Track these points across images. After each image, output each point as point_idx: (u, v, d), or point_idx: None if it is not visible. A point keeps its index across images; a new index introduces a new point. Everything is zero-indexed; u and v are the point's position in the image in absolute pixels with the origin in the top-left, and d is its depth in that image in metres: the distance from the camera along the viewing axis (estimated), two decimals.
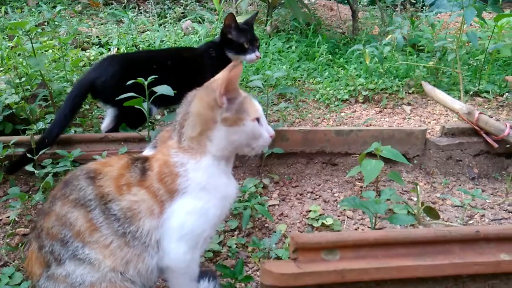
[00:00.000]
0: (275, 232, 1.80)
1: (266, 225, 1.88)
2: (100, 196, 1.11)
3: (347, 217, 1.95)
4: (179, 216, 1.13)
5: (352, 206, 1.44)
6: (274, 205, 2.02)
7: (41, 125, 2.15)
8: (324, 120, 2.90)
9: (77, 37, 4.38)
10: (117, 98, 1.78)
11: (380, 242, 1.20)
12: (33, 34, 2.13)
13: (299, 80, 3.44)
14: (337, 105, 3.08)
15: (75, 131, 2.35)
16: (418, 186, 1.82)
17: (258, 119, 1.19)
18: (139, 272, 1.14)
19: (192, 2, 5.40)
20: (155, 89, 1.63)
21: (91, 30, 4.79)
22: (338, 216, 1.96)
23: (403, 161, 1.92)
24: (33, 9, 5.32)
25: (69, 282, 1.09)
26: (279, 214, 1.96)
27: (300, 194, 2.11)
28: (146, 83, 1.68)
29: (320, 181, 2.22)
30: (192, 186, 1.14)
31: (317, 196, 2.10)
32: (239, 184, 2.09)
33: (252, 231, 1.84)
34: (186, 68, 2.32)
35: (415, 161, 2.31)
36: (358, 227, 1.88)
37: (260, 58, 2.50)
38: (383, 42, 3.38)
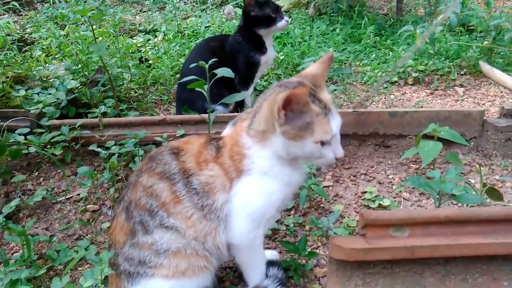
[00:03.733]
0: (331, 212, 1.82)
1: (321, 205, 1.90)
2: (183, 171, 1.19)
3: (404, 198, 1.94)
4: (245, 194, 1.18)
5: (416, 185, 1.44)
6: (328, 186, 2.03)
7: (103, 108, 2.24)
8: (373, 103, 2.87)
9: (122, 25, 4.49)
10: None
11: (451, 219, 1.20)
12: (94, 21, 2.20)
13: (345, 63, 3.40)
14: (386, 87, 3.04)
15: (133, 115, 2.44)
16: (480, 167, 1.79)
17: (323, 142, 1.14)
18: (216, 245, 1.21)
19: None
20: (216, 71, 1.66)
21: (135, 18, 4.89)
22: (394, 197, 1.95)
23: (462, 142, 1.89)
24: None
25: (154, 249, 1.16)
26: (334, 195, 1.97)
27: (354, 176, 2.12)
28: (206, 66, 1.72)
29: (373, 163, 2.21)
30: (256, 169, 1.18)
31: (371, 178, 2.10)
32: None
33: (308, 211, 1.87)
34: (220, 58, 2.34)
35: (472, 143, 2.26)
36: (416, 208, 1.87)
37: (289, 22, 2.50)
38: (433, 22, 3.28)
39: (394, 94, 2.97)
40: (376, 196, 1.92)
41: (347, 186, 2.04)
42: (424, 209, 1.80)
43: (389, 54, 3.39)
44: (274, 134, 1.16)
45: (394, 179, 2.08)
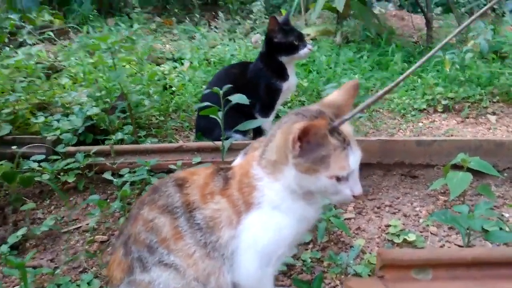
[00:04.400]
0: (351, 246, 1.70)
1: (342, 239, 1.78)
2: (186, 204, 1.11)
3: (431, 233, 1.80)
4: (253, 230, 1.10)
5: (442, 221, 1.31)
6: (349, 219, 1.91)
7: (119, 135, 2.22)
8: (400, 131, 2.76)
9: (152, 53, 4.56)
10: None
11: (480, 261, 1.07)
12: (114, 48, 2.21)
13: (371, 90, 3.31)
14: (414, 115, 2.92)
15: (151, 142, 2.41)
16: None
17: (340, 178, 1.06)
18: (219, 286, 1.12)
19: (261, 16, 5.45)
20: (230, 97, 1.61)
21: (165, 46, 4.99)
22: (421, 232, 1.81)
23: (493, 174, 1.76)
24: (111, 28, 5.64)
25: None
26: (356, 228, 1.85)
27: (378, 208, 1.99)
28: (221, 92, 1.68)
29: (399, 194, 2.08)
30: (267, 203, 1.10)
31: (396, 210, 1.97)
32: None
33: (327, 245, 1.75)
34: (241, 84, 2.31)
35: (505, 174, 2.10)
36: (444, 245, 1.72)
37: (312, 50, 2.43)
38: (464, 49, 3.16)
39: (422, 122, 2.84)
40: (401, 230, 1.78)
41: (370, 219, 1.92)
42: (449, 248, 1.65)
43: (417, 81, 3.27)
44: (286, 165, 1.08)
45: (421, 212, 1.94)
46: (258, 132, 2.42)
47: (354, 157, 1.08)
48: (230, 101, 1.65)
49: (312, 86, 3.25)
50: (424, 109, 2.98)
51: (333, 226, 1.76)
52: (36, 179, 2.04)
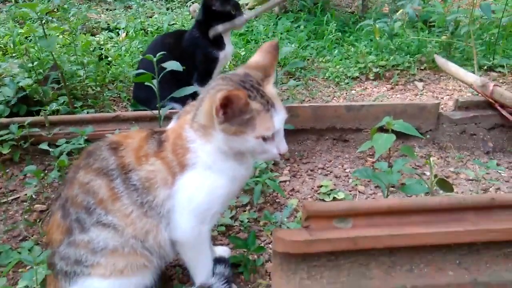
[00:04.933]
0: (286, 206, 1.81)
1: (277, 200, 1.88)
2: (121, 166, 1.14)
3: (359, 191, 1.94)
4: (188, 190, 1.15)
5: (363, 177, 1.43)
6: (285, 181, 2.02)
7: (54, 106, 2.16)
8: (335, 98, 2.88)
9: (86, 23, 4.38)
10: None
11: (394, 210, 1.19)
12: (43, 16, 2.12)
13: (308, 59, 3.40)
14: (348, 83, 3.05)
15: (87, 112, 2.37)
16: (431, 158, 1.80)
17: (265, 138, 1.12)
18: (157, 243, 1.17)
19: None
20: (164, 64, 1.62)
21: (100, 16, 4.79)
22: (350, 191, 1.95)
23: (415, 135, 1.89)
24: None
25: (90, 248, 1.12)
26: (290, 189, 1.95)
27: (311, 170, 2.11)
28: (154, 60, 1.69)
29: (331, 157, 2.20)
30: (200, 164, 1.15)
31: (328, 172, 2.09)
32: None
33: (263, 206, 1.84)
34: (176, 53, 2.31)
35: (428, 136, 2.28)
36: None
37: (247, 21, 2.48)
38: (393, 18, 3.32)
39: (355, 90, 2.98)
40: (331, 190, 1.92)
41: (304, 181, 2.03)
42: (368, 199, 1.80)
43: (351, 50, 3.41)
44: (214, 130, 1.13)
45: (350, 173, 2.08)
46: None
47: (278, 117, 1.14)
48: (165, 68, 1.66)
49: (250, 55, 3.27)
50: (357, 77, 3.12)
51: (269, 188, 1.86)
52: None
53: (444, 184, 1.71)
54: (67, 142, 1.95)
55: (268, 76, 1.20)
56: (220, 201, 1.20)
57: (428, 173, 2.05)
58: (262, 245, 1.60)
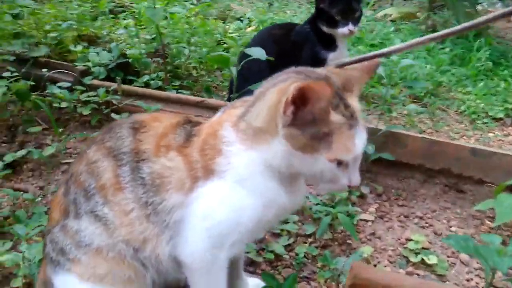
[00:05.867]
0: (356, 252, 1.43)
1: (348, 241, 1.51)
2: (135, 152, 0.93)
3: (461, 261, 1.47)
4: (208, 202, 0.89)
5: (460, 248, 1.00)
6: (367, 221, 1.63)
7: (146, 78, 2.08)
8: (464, 137, 2.36)
9: (226, 12, 4.40)
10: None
11: None
12: None
13: (444, 86, 2.89)
14: (486, 123, 2.49)
15: (177, 91, 2.26)
16: None
17: (341, 162, 0.85)
18: (156, 256, 0.93)
19: None
20: (247, 50, 1.38)
21: (241, 8, 4.81)
22: (449, 257, 1.49)
23: None
24: None
25: (76, 240, 0.93)
26: (370, 233, 1.57)
27: (405, 217, 1.68)
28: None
29: (436, 207, 1.74)
30: (231, 173, 0.88)
31: (427, 225, 1.65)
32: None
33: (329, 243, 1.49)
34: (287, 44, 2.06)
35: None
36: (471, 279, 1.40)
37: (354, 33, 2.04)
38: None
39: (493, 133, 2.41)
40: (423, 249, 1.48)
41: (391, 227, 1.62)
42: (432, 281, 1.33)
43: (500, 86, 2.80)
44: (273, 136, 0.85)
45: (456, 233, 1.61)
46: None
47: (360, 140, 0.86)
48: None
49: None
50: (500, 118, 2.53)
51: (341, 224, 1.50)
52: (55, 105, 2.00)
53: None
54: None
55: (350, 91, 0.89)
56: (245, 227, 0.90)
57: None
58: None
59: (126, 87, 1.98)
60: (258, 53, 1.37)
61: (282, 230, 1.50)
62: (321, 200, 1.62)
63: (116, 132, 0.96)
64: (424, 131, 2.37)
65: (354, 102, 0.89)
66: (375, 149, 1.73)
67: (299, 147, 0.83)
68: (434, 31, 3.89)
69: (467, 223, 1.67)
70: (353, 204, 1.67)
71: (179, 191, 0.90)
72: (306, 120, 0.81)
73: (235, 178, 0.88)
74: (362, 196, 1.74)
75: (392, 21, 3.94)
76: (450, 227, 1.65)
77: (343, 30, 1.96)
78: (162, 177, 0.90)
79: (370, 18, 4.15)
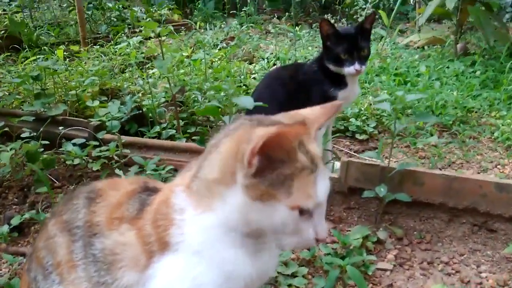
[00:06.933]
0: None
1: None
2: (88, 225, 0.86)
3: None
4: (166, 279, 0.80)
5: None
6: (384, 270, 1.49)
7: (156, 128, 2.09)
8: (498, 166, 2.17)
9: (254, 53, 4.43)
10: None
11: None
12: (164, 36, 2.09)
13: (475, 112, 2.71)
14: None
15: (186, 140, 2.25)
16: None
17: (303, 210, 0.76)
18: None
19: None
20: (235, 100, 1.34)
21: (269, 47, 4.84)
22: None
23: None
24: (222, 25, 5.73)
25: None
26: (388, 285, 1.43)
27: (429, 263, 1.53)
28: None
29: (465, 250, 1.58)
30: (186, 245, 0.80)
31: (453, 271, 1.49)
32: (347, 231, 1.64)
33: None
34: (295, 85, 2.01)
35: None
36: None
37: (361, 72, 1.94)
38: None
39: None
40: None
41: (412, 276, 1.47)
42: None
43: None
44: (230, 188, 0.76)
45: (487, 280, 1.44)
46: None
47: (323, 186, 0.78)
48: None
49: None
50: None
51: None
52: (68, 162, 2.04)
53: None
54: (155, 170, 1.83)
55: (308, 134, 0.81)
56: None
57: None
58: None
59: (133, 139, 2.00)
60: (246, 102, 1.32)
61: (290, 285, 1.40)
62: (332, 249, 1.52)
63: (73, 204, 0.90)
64: (453, 162, 2.20)
65: (314, 146, 0.81)
66: (391, 189, 1.61)
67: (258, 196, 0.74)
68: (465, 54, 3.73)
69: (500, 267, 1.50)
70: (369, 252, 1.55)
71: (132, 268, 0.81)
72: (270, 167, 0.74)
73: (191, 250, 0.79)
74: (379, 242, 1.61)
75: (419, 47, 3.80)
76: (480, 272, 1.48)
77: (349, 69, 1.88)
78: (114, 253, 0.82)
79: (395, 46, 4.05)
